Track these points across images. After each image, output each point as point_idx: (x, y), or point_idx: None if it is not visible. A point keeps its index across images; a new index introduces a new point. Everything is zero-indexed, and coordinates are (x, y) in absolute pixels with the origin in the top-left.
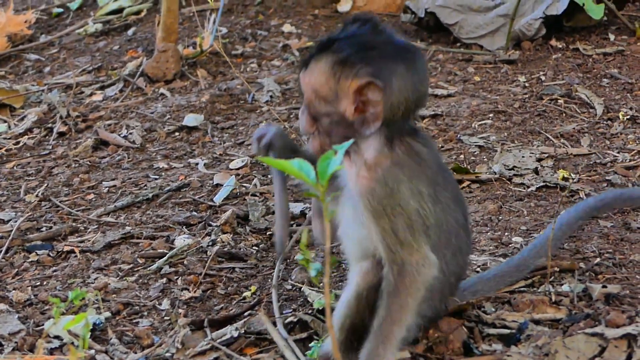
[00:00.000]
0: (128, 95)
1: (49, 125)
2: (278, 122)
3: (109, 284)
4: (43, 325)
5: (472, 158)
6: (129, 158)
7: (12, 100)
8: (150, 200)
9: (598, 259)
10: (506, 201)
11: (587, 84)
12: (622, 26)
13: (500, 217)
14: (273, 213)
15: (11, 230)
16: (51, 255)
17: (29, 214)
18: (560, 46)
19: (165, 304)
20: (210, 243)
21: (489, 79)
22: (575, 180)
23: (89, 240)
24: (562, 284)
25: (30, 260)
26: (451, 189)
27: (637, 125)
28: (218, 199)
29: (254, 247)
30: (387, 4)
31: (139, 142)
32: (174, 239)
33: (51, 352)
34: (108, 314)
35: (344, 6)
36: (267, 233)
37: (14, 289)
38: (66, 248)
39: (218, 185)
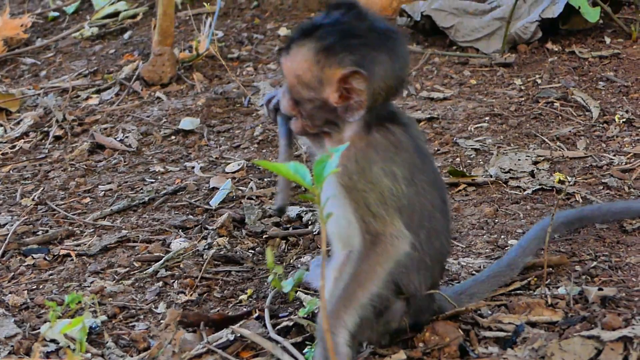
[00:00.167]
0: (124, 99)
1: (45, 129)
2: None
3: (105, 287)
4: (39, 328)
5: (468, 161)
6: (125, 162)
7: (8, 104)
8: (147, 203)
9: (594, 262)
10: (502, 204)
11: (583, 87)
12: (618, 29)
13: (496, 220)
14: (270, 216)
15: (7, 234)
16: (47, 259)
17: (25, 217)
18: (556, 49)
19: (162, 307)
20: (207, 246)
21: (485, 82)
22: (571, 183)
23: (85, 244)
24: (558, 287)
25: (26, 264)
26: (429, 172)
27: (633, 128)
28: (214, 202)
29: (250, 251)
30: (383, 7)
31: (135, 146)
32: (170, 243)
33: (47, 355)
34: (104, 317)
35: None
36: (264, 236)
37: (10, 292)
38: (62, 252)
39: (214, 189)
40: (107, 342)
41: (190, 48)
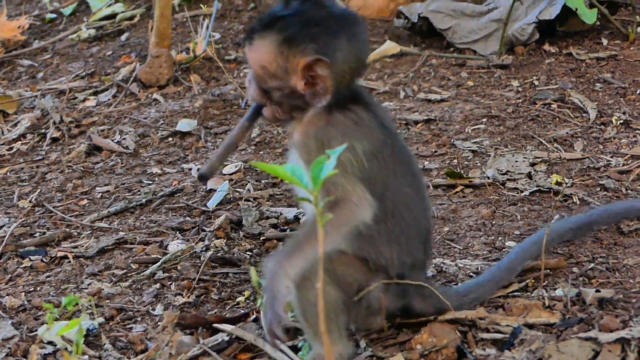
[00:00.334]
0: (121, 101)
1: (42, 130)
2: (270, 127)
3: (103, 289)
4: (36, 330)
5: (466, 163)
6: (122, 163)
7: (5, 105)
8: (144, 205)
9: (591, 264)
10: (499, 206)
11: (581, 89)
12: (615, 31)
13: (493, 222)
14: (267, 218)
15: (4, 236)
16: (44, 260)
17: (22, 219)
18: (554, 51)
19: (159, 309)
20: (204, 248)
21: (482, 83)
22: (568, 184)
23: (83, 246)
24: (555, 289)
25: (23, 265)
26: (395, 147)
27: (630, 129)
28: (211, 204)
29: (247, 252)
30: (380, 8)
31: (132, 148)
32: (168, 245)
33: (45, 357)
34: (101, 319)
35: None
36: (261, 238)
37: (7, 294)
38: (59, 254)
39: (211, 191)
40: (104, 344)
41: (188, 50)
